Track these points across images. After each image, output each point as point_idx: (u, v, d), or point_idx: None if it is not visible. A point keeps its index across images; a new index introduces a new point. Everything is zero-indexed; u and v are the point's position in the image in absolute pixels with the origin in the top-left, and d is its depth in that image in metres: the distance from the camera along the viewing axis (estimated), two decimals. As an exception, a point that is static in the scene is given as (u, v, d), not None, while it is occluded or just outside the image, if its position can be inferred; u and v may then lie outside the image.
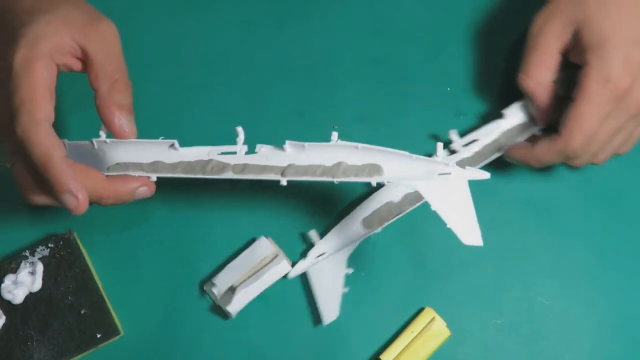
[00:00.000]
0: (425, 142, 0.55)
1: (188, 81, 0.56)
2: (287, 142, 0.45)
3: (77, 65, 0.46)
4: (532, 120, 0.52)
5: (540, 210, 0.54)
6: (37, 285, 0.51)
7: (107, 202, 0.46)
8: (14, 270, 0.51)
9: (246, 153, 0.46)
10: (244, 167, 0.46)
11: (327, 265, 0.53)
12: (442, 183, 0.45)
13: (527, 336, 0.52)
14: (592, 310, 0.53)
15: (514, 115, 0.53)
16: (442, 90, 0.56)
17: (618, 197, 0.54)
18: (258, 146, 0.46)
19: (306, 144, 0.45)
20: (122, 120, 0.46)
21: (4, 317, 0.51)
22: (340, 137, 0.50)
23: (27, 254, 0.52)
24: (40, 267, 0.51)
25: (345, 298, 0.53)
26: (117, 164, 0.47)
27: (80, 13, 0.46)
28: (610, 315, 0.52)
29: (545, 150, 0.49)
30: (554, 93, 0.50)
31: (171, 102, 0.56)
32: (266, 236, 0.53)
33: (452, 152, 0.53)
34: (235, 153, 0.46)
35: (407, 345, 0.51)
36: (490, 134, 0.53)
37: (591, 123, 0.46)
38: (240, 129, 0.46)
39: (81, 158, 0.47)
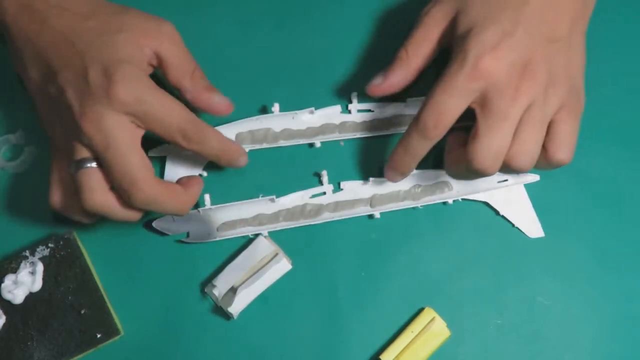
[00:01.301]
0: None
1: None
2: (370, 178, 0.53)
3: (150, 70, 0.49)
4: None
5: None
6: (37, 285, 0.51)
7: (222, 161, 0.51)
8: (14, 270, 0.51)
9: (333, 191, 0.54)
10: (337, 205, 0.53)
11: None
12: (503, 191, 0.53)
13: (527, 336, 0.52)
14: (592, 310, 0.53)
15: (415, 106, 0.54)
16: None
17: (618, 197, 0.54)
18: (342, 183, 0.54)
19: None
20: (217, 98, 0.51)
21: (4, 317, 0.51)
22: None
23: (27, 253, 0.52)
24: (40, 267, 0.51)
25: (345, 298, 0.53)
26: (223, 223, 0.53)
27: (146, 22, 0.49)
28: (610, 315, 0.52)
29: (405, 135, 0.49)
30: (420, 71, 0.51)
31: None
32: (264, 235, 0.53)
33: (348, 111, 0.55)
34: (324, 193, 0.53)
35: (407, 345, 0.51)
36: (386, 111, 0.54)
37: (442, 97, 0.46)
38: (324, 172, 0.54)
39: (189, 224, 0.53)
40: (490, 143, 0.46)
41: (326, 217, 0.53)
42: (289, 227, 0.53)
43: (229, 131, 0.53)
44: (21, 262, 0.51)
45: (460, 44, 0.46)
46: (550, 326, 0.52)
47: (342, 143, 0.55)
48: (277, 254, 0.52)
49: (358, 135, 0.54)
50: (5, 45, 0.51)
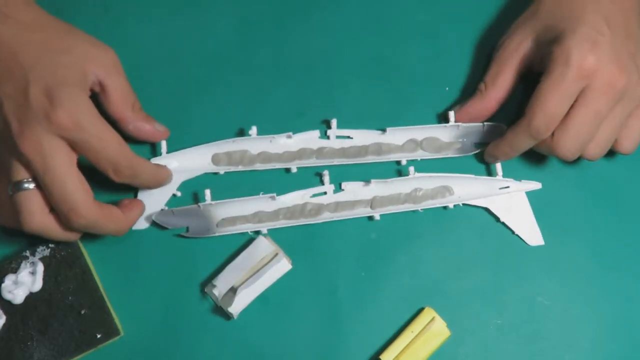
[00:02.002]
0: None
1: (187, 81, 0.56)
2: (372, 180, 0.53)
3: (88, 94, 0.48)
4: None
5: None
6: (38, 285, 0.51)
7: (152, 187, 0.52)
8: (15, 270, 0.51)
9: (334, 192, 0.54)
10: (337, 205, 0.53)
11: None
12: (505, 197, 0.54)
13: (527, 336, 0.52)
14: (592, 310, 0.53)
15: (393, 136, 0.54)
16: (441, 90, 0.56)
17: (618, 197, 0.54)
18: (344, 184, 0.54)
19: (389, 179, 0.53)
20: (157, 126, 0.52)
21: (4, 317, 0.51)
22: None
23: (28, 254, 0.52)
24: (40, 267, 0.51)
25: (345, 298, 0.53)
26: (223, 219, 0.53)
27: (92, 48, 0.48)
28: (610, 315, 0.52)
29: (512, 134, 0.50)
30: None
31: (170, 101, 0.56)
32: (265, 235, 0.53)
33: (326, 137, 0.55)
34: (325, 193, 0.53)
35: (407, 345, 0.51)
36: (365, 139, 0.54)
37: (553, 102, 0.47)
38: (326, 172, 0.53)
39: (189, 218, 0.53)
40: (580, 135, 0.48)
41: (326, 217, 0.53)
42: (288, 225, 0.53)
43: (206, 151, 0.53)
44: (21, 262, 0.51)
45: (557, 48, 0.47)
46: (550, 326, 0.52)
47: None
48: (277, 254, 0.52)
49: (336, 162, 0.54)
50: None
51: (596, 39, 0.47)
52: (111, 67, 0.48)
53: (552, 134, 0.49)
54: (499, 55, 0.53)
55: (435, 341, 0.51)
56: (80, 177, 0.46)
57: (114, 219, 0.48)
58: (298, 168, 0.54)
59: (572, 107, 0.48)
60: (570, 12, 0.49)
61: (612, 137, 0.50)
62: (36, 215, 0.46)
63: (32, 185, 0.46)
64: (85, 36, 0.49)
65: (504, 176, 0.53)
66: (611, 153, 0.52)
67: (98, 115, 0.46)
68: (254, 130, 0.53)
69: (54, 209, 0.46)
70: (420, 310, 0.52)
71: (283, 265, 0.51)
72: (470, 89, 0.55)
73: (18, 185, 0.46)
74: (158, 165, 0.51)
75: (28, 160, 0.45)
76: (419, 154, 0.54)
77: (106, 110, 0.49)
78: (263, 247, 0.52)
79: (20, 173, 0.46)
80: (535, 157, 0.54)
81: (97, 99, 0.49)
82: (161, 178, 0.51)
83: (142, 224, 0.53)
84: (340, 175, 0.54)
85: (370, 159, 0.54)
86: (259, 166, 0.54)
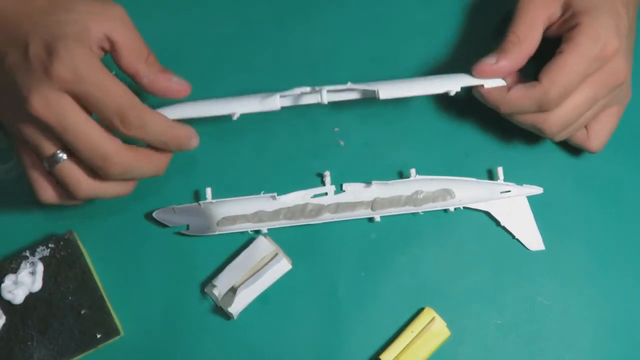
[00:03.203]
0: (424, 139, 0.55)
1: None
2: (373, 181, 0.53)
3: (101, 53, 0.46)
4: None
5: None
6: (37, 285, 0.51)
7: (170, 147, 0.48)
8: (14, 270, 0.51)
9: (335, 192, 0.53)
10: (337, 206, 0.53)
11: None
12: (506, 201, 0.53)
13: (527, 336, 0.52)
14: (592, 310, 0.53)
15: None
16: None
17: (618, 197, 0.54)
18: (345, 185, 0.54)
19: (390, 181, 0.53)
20: (175, 79, 0.48)
21: (4, 317, 0.51)
22: (339, 137, 0.52)
23: (28, 254, 0.52)
24: (40, 267, 0.51)
25: (345, 298, 0.53)
26: (224, 218, 0.53)
27: (96, 3, 0.46)
28: (610, 315, 0.52)
29: (521, 95, 0.48)
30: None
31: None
32: (265, 235, 0.53)
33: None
34: (326, 194, 0.53)
35: (407, 345, 0.51)
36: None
37: (574, 75, 0.46)
38: (327, 173, 0.54)
39: (190, 217, 0.53)
40: (572, 117, 0.48)
41: (327, 217, 0.53)
42: (289, 225, 0.53)
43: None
44: (21, 262, 0.51)
45: (588, 22, 0.47)
46: (550, 326, 0.52)
47: (342, 142, 0.55)
48: (277, 254, 0.52)
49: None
50: None
51: (620, 26, 0.47)
52: (118, 21, 0.46)
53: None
54: (526, 6, 0.49)
55: (435, 341, 0.51)
56: (101, 126, 0.45)
57: (148, 158, 0.47)
58: (298, 168, 0.54)
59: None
60: None
61: (587, 122, 0.50)
62: (82, 181, 0.46)
63: (65, 155, 0.45)
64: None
65: (505, 180, 0.53)
66: (607, 155, 0.53)
67: (99, 65, 0.44)
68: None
69: (89, 166, 0.46)
70: (420, 310, 0.52)
71: (283, 265, 0.51)
72: (469, 90, 0.55)
73: (52, 160, 0.45)
74: (173, 121, 0.48)
75: (44, 124, 0.44)
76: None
77: (119, 67, 0.47)
78: (263, 247, 0.52)
79: (48, 146, 0.45)
80: (537, 162, 0.54)
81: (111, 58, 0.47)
82: (179, 135, 0.48)
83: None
84: (342, 176, 0.54)
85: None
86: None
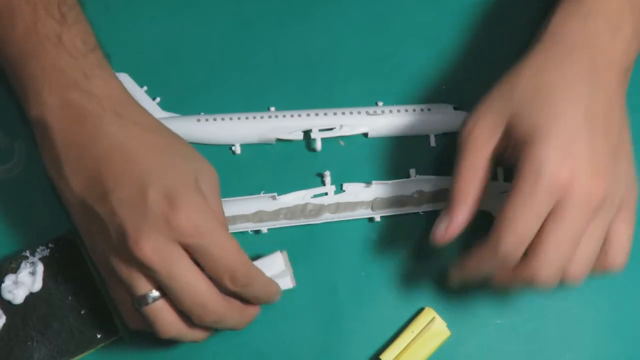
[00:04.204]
0: (424, 140, 0.55)
1: (187, 81, 0.56)
2: (373, 181, 0.53)
3: None
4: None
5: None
6: (38, 285, 0.51)
7: (262, 302, 0.48)
8: (14, 270, 0.51)
9: (335, 192, 0.53)
10: (337, 206, 0.53)
11: None
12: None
13: (527, 336, 0.52)
14: (592, 310, 0.53)
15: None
16: (441, 90, 0.56)
17: (618, 197, 0.54)
18: (345, 185, 0.54)
19: (390, 181, 0.53)
20: None
21: (4, 317, 0.51)
22: (341, 139, 0.52)
23: (28, 254, 0.52)
24: (40, 267, 0.51)
25: (345, 298, 0.53)
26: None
27: (200, 157, 0.46)
28: (610, 315, 0.52)
29: (478, 257, 0.44)
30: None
31: (170, 101, 0.56)
32: (282, 250, 0.51)
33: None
34: (326, 194, 0.53)
35: (407, 346, 0.51)
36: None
37: (522, 221, 0.42)
38: (327, 173, 0.53)
39: None
40: (558, 257, 0.42)
41: (327, 217, 0.53)
42: (289, 225, 0.53)
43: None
44: (21, 262, 0.51)
45: (527, 157, 0.42)
46: (550, 326, 0.52)
47: (342, 143, 0.55)
48: (283, 270, 0.50)
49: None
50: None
51: (572, 145, 0.42)
52: (214, 185, 0.46)
53: (527, 260, 0.43)
54: (471, 146, 0.45)
55: (435, 341, 0.51)
56: (203, 276, 0.44)
57: (241, 312, 0.46)
58: (298, 168, 0.54)
59: (545, 223, 0.42)
60: (546, 103, 0.43)
61: (595, 251, 0.44)
62: (170, 323, 0.44)
63: (157, 295, 0.43)
64: (195, 151, 0.47)
65: (505, 180, 0.53)
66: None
67: (218, 221, 0.44)
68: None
69: (185, 311, 0.44)
70: (420, 310, 0.52)
71: (285, 282, 0.50)
72: (468, 89, 0.55)
73: (144, 299, 0.43)
74: (271, 279, 0.48)
75: (149, 268, 0.42)
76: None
77: None
78: (276, 263, 0.50)
79: (143, 286, 0.43)
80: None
81: None
82: (273, 292, 0.47)
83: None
84: (342, 176, 0.54)
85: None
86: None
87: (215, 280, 0.44)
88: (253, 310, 0.47)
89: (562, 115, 0.43)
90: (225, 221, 0.47)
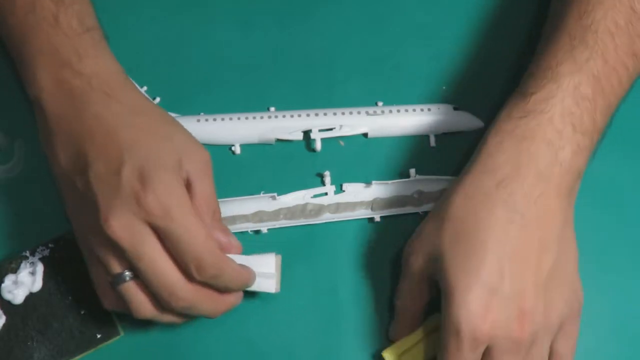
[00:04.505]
0: (424, 140, 0.55)
1: (187, 81, 0.56)
2: (373, 181, 0.53)
3: None
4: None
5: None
6: (38, 285, 0.51)
7: (234, 291, 0.47)
8: (14, 270, 0.51)
9: (335, 192, 0.53)
10: (337, 206, 0.53)
11: None
12: None
13: (527, 336, 0.52)
14: (592, 310, 0.52)
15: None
16: (439, 89, 0.56)
17: (618, 197, 0.54)
18: (345, 185, 0.54)
19: (390, 181, 0.53)
20: (232, 240, 0.47)
21: (4, 317, 0.51)
22: (341, 139, 0.52)
23: (28, 254, 0.52)
24: (40, 267, 0.51)
25: (345, 298, 0.53)
26: (223, 217, 0.51)
27: (189, 142, 0.46)
28: (610, 315, 0.52)
29: None
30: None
31: (170, 101, 0.56)
32: (278, 254, 0.50)
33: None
34: (326, 194, 0.53)
35: (414, 344, 0.50)
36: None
37: None
38: (327, 173, 0.53)
39: None
40: None
41: (327, 217, 0.53)
42: (289, 225, 0.53)
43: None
44: (21, 262, 0.51)
45: (449, 311, 0.43)
46: (550, 326, 0.52)
47: (342, 143, 0.55)
48: (272, 273, 0.49)
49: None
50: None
51: (491, 300, 0.42)
52: (202, 168, 0.45)
53: None
54: (405, 275, 0.48)
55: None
56: (171, 261, 0.43)
57: (211, 300, 0.46)
58: (298, 168, 0.54)
59: None
60: (467, 252, 0.43)
61: None
62: (144, 304, 0.45)
63: (130, 276, 0.44)
64: (185, 130, 0.47)
65: None
66: (607, 155, 0.52)
67: (190, 206, 0.43)
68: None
69: (154, 294, 0.44)
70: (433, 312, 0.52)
71: (269, 285, 0.49)
72: (468, 89, 0.56)
73: (119, 278, 0.44)
74: (243, 266, 0.47)
75: (118, 246, 0.42)
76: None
77: None
78: (268, 264, 0.49)
79: (116, 265, 0.44)
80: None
81: None
82: (245, 280, 0.47)
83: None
84: (342, 176, 0.54)
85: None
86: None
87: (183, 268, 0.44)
88: (229, 299, 0.47)
89: (483, 264, 0.43)
90: (213, 205, 0.46)
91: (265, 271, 0.49)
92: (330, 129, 0.54)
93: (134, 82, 0.49)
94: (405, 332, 0.49)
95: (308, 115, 0.54)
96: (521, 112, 0.45)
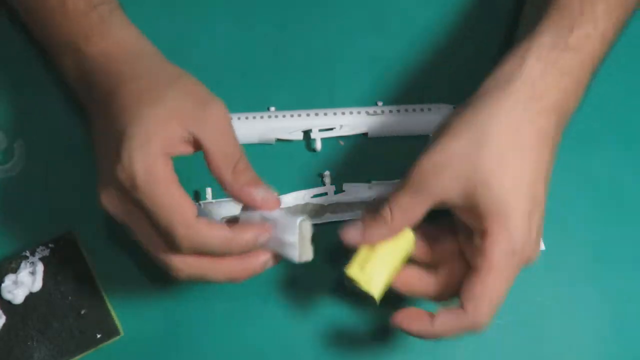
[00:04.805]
0: (424, 140, 0.55)
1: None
2: (373, 181, 0.53)
3: (188, 150, 0.44)
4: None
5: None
6: (38, 285, 0.51)
7: (235, 254, 0.44)
8: (15, 270, 0.51)
9: (335, 192, 0.54)
10: (337, 206, 0.53)
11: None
12: None
13: (527, 336, 0.52)
14: (592, 310, 0.53)
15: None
16: (440, 90, 0.56)
17: (618, 197, 0.54)
18: (345, 185, 0.54)
19: (390, 181, 0.53)
20: (261, 194, 0.44)
21: (4, 317, 0.51)
22: (341, 139, 0.52)
23: (28, 254, 0.52)
24: (40, 267, 0.51)
25: (346, 298, 0.53)
26: (224, 218, 0.52)
27: (189, 100, 0.44)
28: (610, 315, 0.52)
29: (448, 327, 0.43)
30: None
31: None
32: (305, 219, 0.46)
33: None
34: (326, 194, 0.54)
35: (376, 255, 0.46)
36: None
37: (500, 295, 0.42)
38: (327, 173, 0.54)
39: None
40: (498, 302, 0.43)
41: (327, 217, 0.53)
42: None
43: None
44: (21, 262, 0.51)
45: (497, 233, 0.42)
46: (550, 326, 0.52)
47: (342, 142, 0.55)
48: (294, 242, 0.45)
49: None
50: None
51: (532, 217, 0.42)
52: (208, 122, 0.43)
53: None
54: (414, 178, 0.43)
55: (399, 245, 0.46)
56: (155, 235, 0.43)
57: (217, 266, 0.44)
58: (298, 168, 0.54)
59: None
60: (510, 181, 0.42)
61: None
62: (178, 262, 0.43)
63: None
64: (189, 85, 0.45)
65: None
66: (607, 155, 0.52)
67: (159, 176, 0.41)
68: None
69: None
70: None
71: (292, 253, 0.45)
72: (468, 89, 0.55)
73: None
74: (234, 228, 0.43)
75: (110, 214, 0.43)
76: None
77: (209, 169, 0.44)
78: (292, 230, 0.45)
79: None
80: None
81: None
82: (241, 243, 0.43)
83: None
84: (342, 176, 0.54)
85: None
86: None
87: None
88: (232, 262, 0.44)
89: (527, 185, 0.42)
90: (231, 159, 0.44)
91: (289, 238, 0.45)
92: (330, 129, 0.54)
93: (147, 41, 0.49)
94: (373, 239, 0.45)
95: (308, 115, 0.54)
96: (563, 44, 0.44)
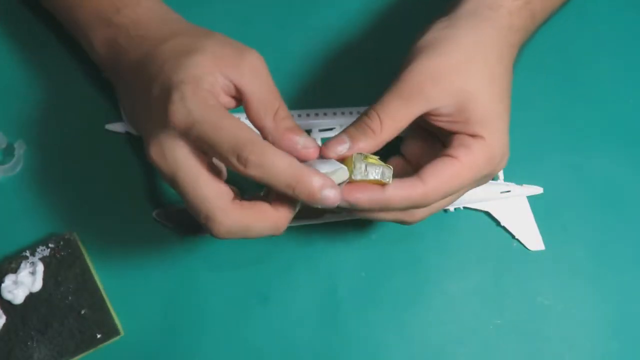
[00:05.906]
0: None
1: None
2: None
3: (230, 103, 0.44)
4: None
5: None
6: (38, 285, 0.51)
7: (297, 194, 0.42)
8: (15, 270, 0.51)
9: None
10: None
11: None
12: (506, 201, 0.53)
13: (527, 336, 0.52)
14: (592, 310, 0.53)
15: None
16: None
17: (618, 197, 0.54)
18: None
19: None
20: (302, 141, 0.43)
21: (4, 317, 0.51)
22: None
23: (28, 254, 0.52)
24: (40, 267, 0.51)
25: (345, 298, 0.53)
26: None
27: (227, 48, 0.44)
28: (610, 315, 0.52)
29: (399, 194, 0.43)
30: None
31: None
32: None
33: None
34: None
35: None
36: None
37: (462, 186, 0.44)
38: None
39: (190, 217, 0.48)
40: (440, 207, 0.47)
41: (326, 217, 0.53)
42: (289, 225, 0.53)
43: None
44: (21, 262, 0.51)
45: (485, 138, 0.44)
46: (550, 326, 0.52)
47: None
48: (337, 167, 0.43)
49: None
50: None
51: (507, 127, 0.45)
52: (246, 69, 0.43)
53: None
54: (407, 85, 0.44)
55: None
56: (211, 181, 0.42)
57: (263, 216, 0.43)
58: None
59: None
60: (498, 94, 0.45)
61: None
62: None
63: None
64: (222, 38, 0.46)
65: (505, 180, 0.53)
66: (607, 155, 0.52)
67: (214, 106, 0.42)
68: None
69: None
70: None
71: (342, 173, 0.43)
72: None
73: None
74: (305, 165, 0.42)
75: (159, 171, 0.43)
76: None
77: (248, 119, 0.44)
78: (332, 162, 0.43)
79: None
80: (537, 162, 0.54)
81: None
82: (307, 181, 0.41)
83: None
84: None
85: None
86: None
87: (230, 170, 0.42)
88: (280, 212, 0.44)
89: (508, 107, 0.46)
90: (272, 106, 0.44)
91: (334, 166, 0.43)
92: (330, 129, 0.54)
93: (171, 9, 0.50)
94: (362, 152, 0.44)
95: (308, 115, 0.54)
96: None
